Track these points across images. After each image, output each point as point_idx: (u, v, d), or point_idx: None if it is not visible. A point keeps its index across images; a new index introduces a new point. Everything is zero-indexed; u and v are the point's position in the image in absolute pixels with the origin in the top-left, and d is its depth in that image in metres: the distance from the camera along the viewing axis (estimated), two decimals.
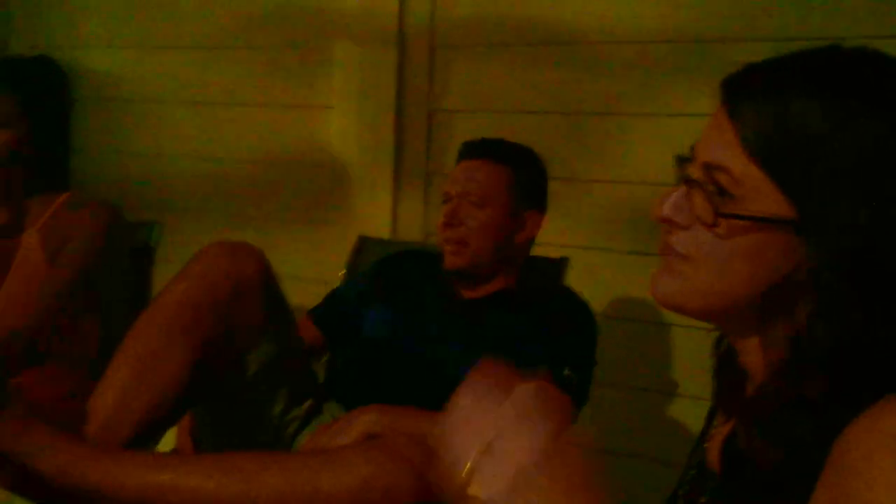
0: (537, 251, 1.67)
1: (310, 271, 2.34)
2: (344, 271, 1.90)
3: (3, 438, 1.02)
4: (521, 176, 1.58)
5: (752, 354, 0.73)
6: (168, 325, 1.25)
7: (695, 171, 0.70)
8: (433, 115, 2.35)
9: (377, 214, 2.39)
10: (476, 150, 1.60)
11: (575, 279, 1.72)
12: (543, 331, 1.43)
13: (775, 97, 0.65)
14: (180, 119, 2.70)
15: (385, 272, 1.71)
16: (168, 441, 1.41)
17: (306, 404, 1.41)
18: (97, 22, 2.80)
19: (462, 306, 1.56)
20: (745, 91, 0.68)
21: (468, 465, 0.58)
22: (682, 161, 0.73)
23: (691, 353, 2.00)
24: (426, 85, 2.34)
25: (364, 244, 1.96)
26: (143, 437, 1.21)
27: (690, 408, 2.02)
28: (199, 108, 2.68)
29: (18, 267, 1.61)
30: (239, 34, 2.59)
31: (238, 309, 1.30)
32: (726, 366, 0.79)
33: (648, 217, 0.75)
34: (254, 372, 1.33)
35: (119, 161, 2.77)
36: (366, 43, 2.39)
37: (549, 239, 1.73)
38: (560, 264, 1.74)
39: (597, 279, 2.00)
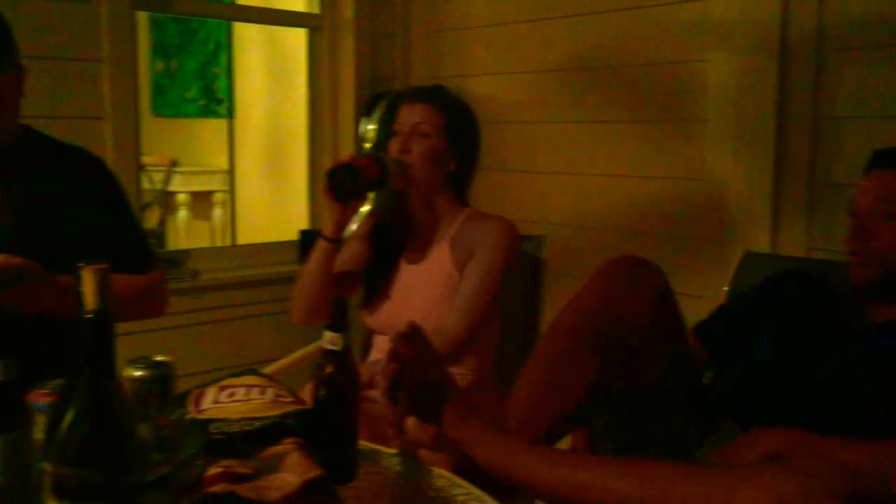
0: None
1: (690, 286, 2.35)
2: (727, 287, 1.89)
3: (447, 425, 1.19)
4: None
5: None
6: (573, 336, 1.35)
7: None
8: (819, 123, 2.23)
9: (756, 228, 2.32)
10: (891, 158, 1.50)
11: None
12: None
13: None
14: (554, 137, 2.86)
15: (773, 291, 1.66)
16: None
17: (701, 419, 1.43)
18: (482, 52, 3.08)
19: (867, 329, 1.47)
20: None
21: None
22: None
23: None
24: (811, 92, 2.23)
25: (748, 259, 1.93)
26: (553, 436, 1.33)
27: None
28: (571, 127, 2.82)
29: (432, 279, 1.81)
30: (610, 54, 2.69)
31: (638, 322, 1.36)
32: None
33: None
34: (652, 384, 1.39)
35: (502, 179, 3.01)
36: (744, 53, 2.35)
37: None
38: None
39: None
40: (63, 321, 1.41)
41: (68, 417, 0.79)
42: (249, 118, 4.97)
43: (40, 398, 1.03)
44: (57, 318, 1.43)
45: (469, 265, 1.76)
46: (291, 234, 3.20)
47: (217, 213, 5.16)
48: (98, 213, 1.65)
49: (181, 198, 5.08)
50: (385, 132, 1.90)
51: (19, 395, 0.94)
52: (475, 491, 1.10)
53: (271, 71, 4.85)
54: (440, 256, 1.82)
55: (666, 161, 2.57)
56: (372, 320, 1.87)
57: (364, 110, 3.13)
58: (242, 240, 4.54)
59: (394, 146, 1.79)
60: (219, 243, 4.97)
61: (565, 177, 2.83)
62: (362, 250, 1.90)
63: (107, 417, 0.79)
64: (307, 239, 3.14)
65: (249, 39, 5.03)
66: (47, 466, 0.86)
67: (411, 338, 1.20)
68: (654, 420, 1.42)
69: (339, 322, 1.09)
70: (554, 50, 2.84)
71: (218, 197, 5.18)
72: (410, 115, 1.78)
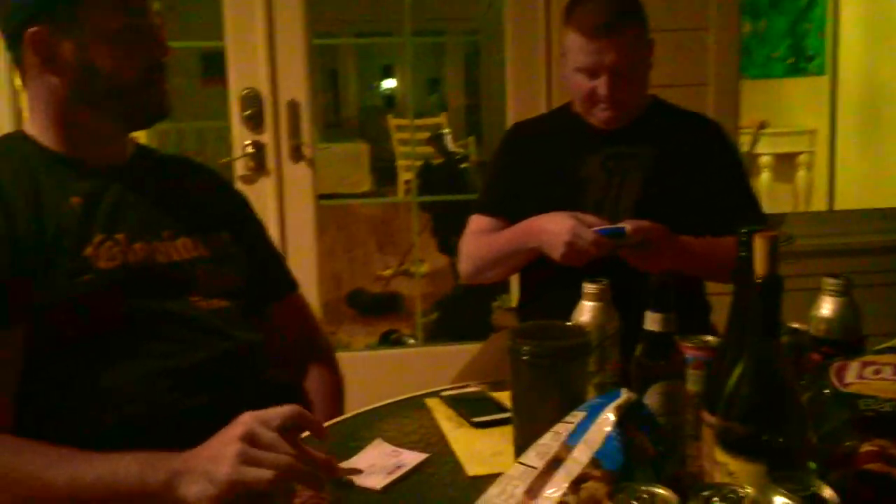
0: None
1: None
2: None
3: None
4: None
5: None
6: None
7: None
8: None
9: None
10: None
11: None
12: None
13: None
14: None
15: None
16: None
17: None
18: None
19: None
20: None
21: None
22: None
23: None
24: None
25: None
26: None
27: None
28: None
29: None
30: None
31: None
32: None
33: None
34: None
35: None
36: None
37: None
38: None
39: None
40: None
41: (736, 373, 0.83)
42: (844, 76, 4.62)
43: (687, 350, 1.11)
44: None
45: None
46: (894, 202, 2.91)
47: (800, 175, 4.95)
48: (718, 176, 1.70)
49: (764, 160, 4.99)
50: None
51: (677, 346, 1.03)
52: None
53: (871, 25, 4.44)
54: None
55: None
56: None
57: None
58: (838, 205, 4.28)
59: None
60: (801, 207, 4.77)
61: None
62: None
63: (774, 378, 0.82)
64: None
65: None
66: (708, 417, 0.93)
67: None
68: None
69: None
70: None
71: (802, 158, 4.96)
72: None
